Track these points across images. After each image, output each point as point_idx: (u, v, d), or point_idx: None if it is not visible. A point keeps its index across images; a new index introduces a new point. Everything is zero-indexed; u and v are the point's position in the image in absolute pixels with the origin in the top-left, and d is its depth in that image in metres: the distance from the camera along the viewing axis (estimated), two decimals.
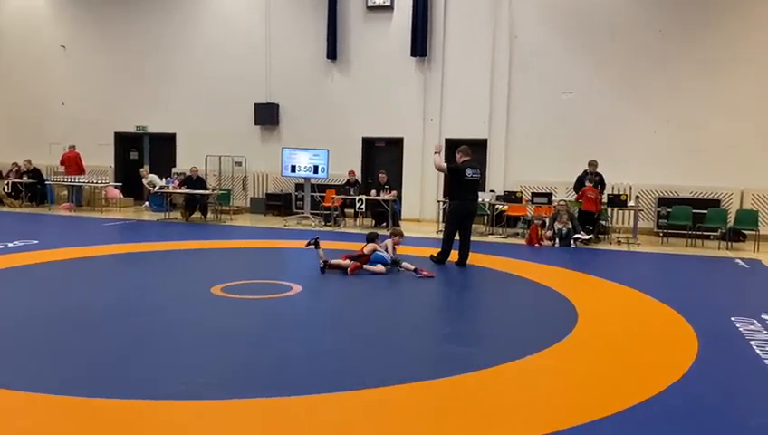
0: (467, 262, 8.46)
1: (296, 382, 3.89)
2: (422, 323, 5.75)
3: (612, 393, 3.86)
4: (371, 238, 8.09)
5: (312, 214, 13.80)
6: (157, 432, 3.23)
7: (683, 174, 12.78)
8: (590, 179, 11.71)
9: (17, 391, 3.62)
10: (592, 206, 11.37)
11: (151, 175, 15.88)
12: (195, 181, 13.77)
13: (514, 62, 13.81)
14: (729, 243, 11.45)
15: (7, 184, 16.04)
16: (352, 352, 4.67)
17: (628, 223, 12.82)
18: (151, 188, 15.33)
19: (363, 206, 12.99)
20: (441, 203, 12.74)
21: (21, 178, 15.90)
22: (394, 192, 13.18)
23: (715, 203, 12.42)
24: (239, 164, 16.14)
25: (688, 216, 11.82)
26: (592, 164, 12.13)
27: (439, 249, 8.66)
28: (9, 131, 18.15)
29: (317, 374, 4.06)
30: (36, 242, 9.53)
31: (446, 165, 8.81)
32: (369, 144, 15.34)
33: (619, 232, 12.64)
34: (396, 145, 14.97)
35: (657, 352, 4.80)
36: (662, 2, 12.93)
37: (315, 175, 13.94)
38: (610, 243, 11.54)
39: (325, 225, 13.20)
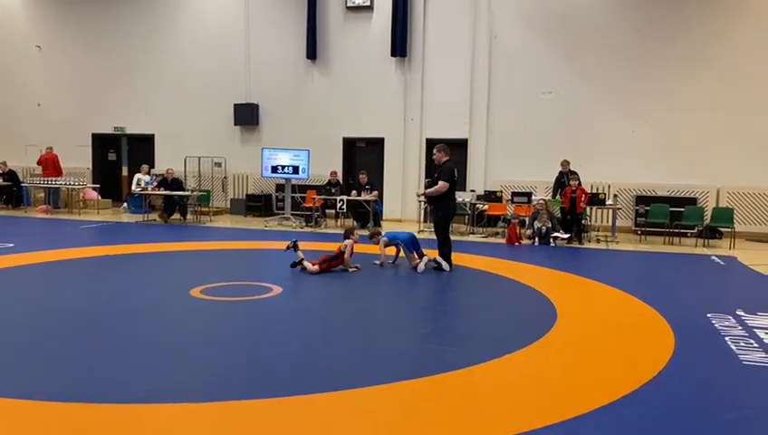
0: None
1: (274, 385, 3.87)
2: (402, 322, 5.75)
3: (590, 391, 3.89)
4: (347, 235, 8.12)
5: (292, 215, 13.74)
6: None
7: (661, 173, 12.95)
8: (574, 179, 11.70)
9: None
10: (581, 206, 11.41)
11: (146, 176, 15.49)
12: (171, 183, 13.63)
13: (494, 62, 13.88)
14: (706, 240, 11.62)
15: None
16: (332, 353, 4.66)
17: (607, 221, 12.95)
18: (135, 187, 15.10)
19: (344, 206, 12.97)
20: (422, 203, 12.73)
21: None
22: (375, 193, 13.17)
23: (692, 201, 12.60)
24: (219, 165, 16.02)
25: (666, 214, 11.97)
26: (564, 164, 12.22)
27: (436, 252, 8.21)
28: None
29: (296, 376, 4.04)
30: (12, 245, 9.38)
31: (444, 183, 8.00)
32: (349, 144, 15.31)
33: (598, 230, 12.76)
34: (377, 145, 14.96)
35: (634, 348, 4.85)
36: (640, 3, 13.09)
37: (296, 175, 13.88)
38: (589, 241, 11.64)
39: (306, 226, 13.16)
